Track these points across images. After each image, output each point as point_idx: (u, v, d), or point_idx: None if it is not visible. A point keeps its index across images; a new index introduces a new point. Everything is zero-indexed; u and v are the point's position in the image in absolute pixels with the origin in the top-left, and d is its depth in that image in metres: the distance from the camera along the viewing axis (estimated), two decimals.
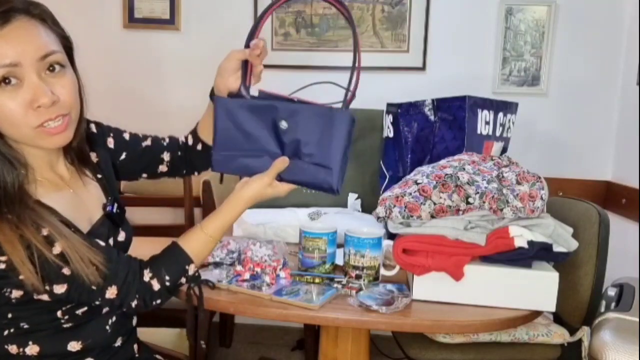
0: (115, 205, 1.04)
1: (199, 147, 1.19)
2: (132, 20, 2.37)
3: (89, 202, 1.01)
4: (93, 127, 1.09)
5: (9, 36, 0.82)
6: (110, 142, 1.12)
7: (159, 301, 0.98)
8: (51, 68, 0.86)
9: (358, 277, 1.16)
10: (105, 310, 0.99)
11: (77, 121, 0.94)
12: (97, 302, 0.92)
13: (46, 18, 0.88)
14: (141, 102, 2.40)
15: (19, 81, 0.83)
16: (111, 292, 0.91)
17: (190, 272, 1.00)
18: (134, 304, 0.94)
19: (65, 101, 0.88)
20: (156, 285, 0.96)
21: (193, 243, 1.01)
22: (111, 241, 1.02)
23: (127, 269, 0.93)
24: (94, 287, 0.89)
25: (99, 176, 1.07)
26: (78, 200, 0.99)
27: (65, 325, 0.94)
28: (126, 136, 1.15)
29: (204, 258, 1.04)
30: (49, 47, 0.86)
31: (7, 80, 0.82)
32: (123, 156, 1.14)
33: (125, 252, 1.08)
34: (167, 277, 0.97)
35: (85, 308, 0.95)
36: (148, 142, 1.18)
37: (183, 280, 1.00)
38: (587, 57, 2.21)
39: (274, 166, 1.01)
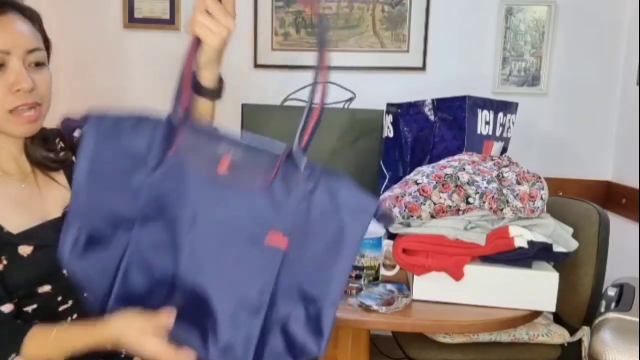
0: None
1: None
2: (132, 20, 2.36)
3: (47, 200, 0.99)
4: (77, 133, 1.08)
5: (3, 26, 0.88)
6: None
7: None
8: (34, 64, 0.92)
9: (358, 277, 1.16)
10: (63, 307, 0.94)
11: (44, 116, 0.96)
12: None
13: (35, 19, 0.94)
14: (141, 102, 2.40)
15: (3, 66, 0.88)
16: None
17: None
18: None
19: (42, 92, 0.93)
20: None
21: (38, 335, 0.86)
22: None
23: None
24: None
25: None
26: (28, 194, 0.97)
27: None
28: None
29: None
30: (36, 43, 0.92)
31: None
32: None
33: None
34: None
35: (35, 305, 0.91)
36: None
37: None
38: (587, 57, 2.21)
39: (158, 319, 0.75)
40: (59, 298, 0.95)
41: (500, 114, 1.59)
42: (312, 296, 0.68)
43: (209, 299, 0.71)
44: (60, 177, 1.04)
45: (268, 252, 0.70)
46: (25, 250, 0.91)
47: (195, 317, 0.72)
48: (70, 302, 0.96)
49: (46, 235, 0.94)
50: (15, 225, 0.92)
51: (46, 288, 0.93)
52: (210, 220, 0.71)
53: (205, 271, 0.71)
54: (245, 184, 0.70)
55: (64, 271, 0.93)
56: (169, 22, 2.35)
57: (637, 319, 1.27)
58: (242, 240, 0.71)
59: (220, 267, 0.71)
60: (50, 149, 1.02)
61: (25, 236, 0.92)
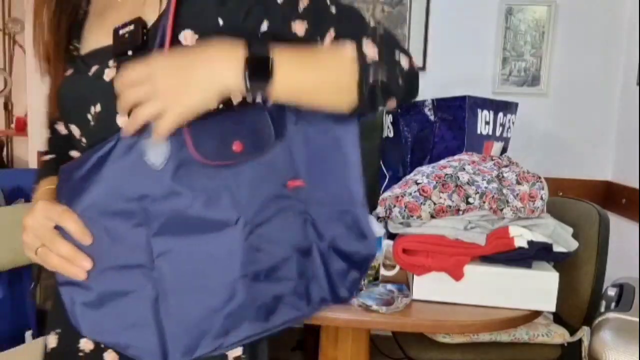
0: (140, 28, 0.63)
1: None
2: None
3: (121, 11, 0.69)
4: None
5: None
6: None
7: None
8: None
9: None
10: None
11: None
12: None
13: None
14: None
15: None
16: None
17: None
18: None
19: None
20: None
21: None
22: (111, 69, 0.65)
23: None
24: None
25: None
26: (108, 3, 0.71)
27: None
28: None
29: None
30: None
31: None
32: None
33: None
34: None
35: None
36: None
37: None
38: (587, 57, 2.21)
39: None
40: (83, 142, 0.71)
41: (500, 114, 1.60)
42: (343, 209, 0.70)
43: None
44: None
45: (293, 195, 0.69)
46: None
47: None
48: None
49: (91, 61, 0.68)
50: (87, 44, 0.70)
51: (74, 130, 0.70)
52: None
53: None
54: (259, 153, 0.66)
55: (89, 116, 0.67)
56: None
57: (637, 319, 1.27)
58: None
59: None
60: None
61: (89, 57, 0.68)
